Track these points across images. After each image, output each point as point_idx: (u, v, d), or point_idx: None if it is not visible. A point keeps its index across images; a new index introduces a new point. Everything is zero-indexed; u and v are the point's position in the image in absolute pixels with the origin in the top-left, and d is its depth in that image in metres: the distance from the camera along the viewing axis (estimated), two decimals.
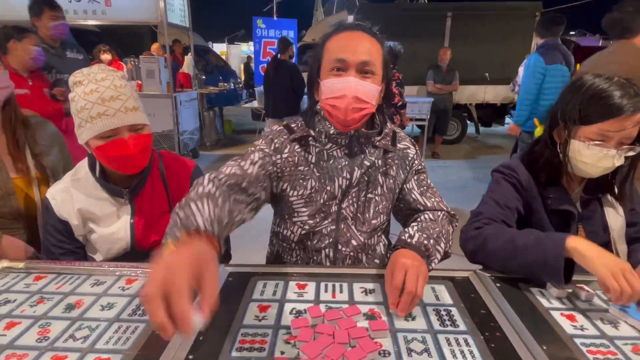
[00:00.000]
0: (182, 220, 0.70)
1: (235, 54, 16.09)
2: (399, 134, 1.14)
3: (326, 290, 0.92)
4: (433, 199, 1.11)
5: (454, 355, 0.71)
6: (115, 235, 1.10)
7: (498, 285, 0.96)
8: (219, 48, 15.39)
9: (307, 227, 1.07)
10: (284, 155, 1.04)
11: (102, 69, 1.03)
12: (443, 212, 1.09)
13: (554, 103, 1.12)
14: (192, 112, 5.67)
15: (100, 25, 6.07)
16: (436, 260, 0.97)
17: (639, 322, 0.80)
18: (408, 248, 0.91)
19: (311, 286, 0.93)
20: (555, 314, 0.84)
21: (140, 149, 1.03)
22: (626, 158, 1.01)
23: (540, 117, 3.35)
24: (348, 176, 1.05)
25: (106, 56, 5.81)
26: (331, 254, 1.08)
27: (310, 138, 1.05)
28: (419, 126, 5.90)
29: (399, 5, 9.19)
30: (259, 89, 6.30)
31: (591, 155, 0.99)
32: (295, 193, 1.05)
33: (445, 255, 1.02)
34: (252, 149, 1.04)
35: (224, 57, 12.02)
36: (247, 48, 15.64)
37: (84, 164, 1.13)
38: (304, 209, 1.06)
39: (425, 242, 0.94)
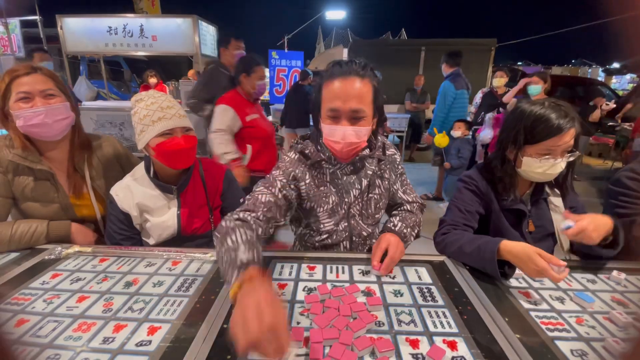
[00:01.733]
0: (229, 262, 0.69)
1: None
2: (386, 144, 1.11)
3: (331, 272, 0.90)
4: (412, 195, 1.14)
5: (435, 325, 0.70)
6: (166, 224, 1.09)
7: (467, 267, 0.95)
8: None
9: (331, 232, 1.05)
10: (307, 181, 1.00)
11: (156, 91, 1.05)
12: (417, 204, 1.14)
13: (501, 129, 1.11)
14: None
15: (148, 55, 6.05)
16: (410, 242, 1.04)
17: (582, 300, 0.79)
18: (392, 233, 0.98)
19: (319, 268, 0.92)
20: (514, 292, 0.83)
21: (190, 146, 1.04)
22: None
23: (447, 130, 3.41)
24: (359, 186, 1.03)
25: (153, 79, 5.75)
26: (348, 245, 1.07)
27: (323, 162, 1.01)
28: (398, 136, 5.87)
29: (384, 41, 9.15)
30: (274, 107, 6.27)
31: (542, 166, 0.98)
32: (321, 209, 1.02)
33: (417, 236, 1.08)
34: (274, 178, 0.98)
35: None
36: None
37: (140, 167, 1.12)
38: (329, 219, 1.03)
39: (404, 230, 1.00)
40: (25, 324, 0.70)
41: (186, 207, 1.11)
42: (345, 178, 1.02)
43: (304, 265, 0.93)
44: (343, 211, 1.03)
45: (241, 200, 1.22)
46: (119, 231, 1.09)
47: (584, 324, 0.72)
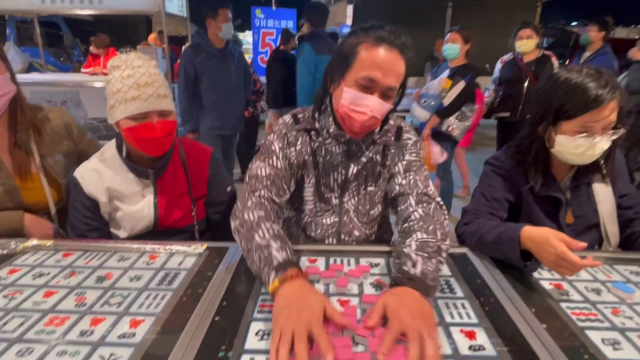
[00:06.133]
0: (264, 260, 0.84)
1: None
2: (404, 127, 1.18)
3: (335, 262, 1.02)
4: (417, 181, 1.09)
5: (452, 316, 0.81)
6: (140, 213, 1.20)
7: (493, 260, 1.06)
8: None
9: (310, 215, 1.18)
10: (298, 147, 1.13)
11: (139, 57, 1.13)
12: (435, 201, 1.05)
13: (535, 101, 1.21)
14: None
15: (94, 15, 6.12)
16: (439, 287, 0.89)
17: (621, 291, 0.91)
18: (410, 286, 0.78)
19: (321, 260, 1.03)
20: (545, 283, 0.95)
21: (165, 133, 1.13)
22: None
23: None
24: (344, 172, 1.13)
25: (99, 50, 5.84)
26: (334, 243, 1.19)
27: (313, 131, 1.13)
28: None
29: None
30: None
31: (578, 146, 1.07)
32: (307, 180, 1.15)
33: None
34: (269, 145, 1.12)
35: None
36: (243, 37, 15.48)
37: (111, 145, 1.22)
38: (311, 197, 1.17)
39: (431, 271, 0.83)
40: None
41: (164, 195, 1.22)
42: (329, 157, 1.12)
43: (303, 258, 1.04)
44: (334, 201, 1.15)
45: (228, 189, 1.35)
46: (84, 220, 1.19)
47: (620, 315, 0.84)
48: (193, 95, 3.08)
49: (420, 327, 0.67)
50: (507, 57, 3.50)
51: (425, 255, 0.85)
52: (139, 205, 1.21)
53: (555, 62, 3.28)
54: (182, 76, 3.03)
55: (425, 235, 0.91)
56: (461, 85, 2.94)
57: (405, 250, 0.88)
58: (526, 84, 3.26)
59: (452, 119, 3.03)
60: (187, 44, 6.18)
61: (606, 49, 3.68)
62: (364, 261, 1.03)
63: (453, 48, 2.99)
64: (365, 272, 0.94)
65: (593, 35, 3.68)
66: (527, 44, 3.21)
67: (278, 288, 0.77)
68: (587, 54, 3.74)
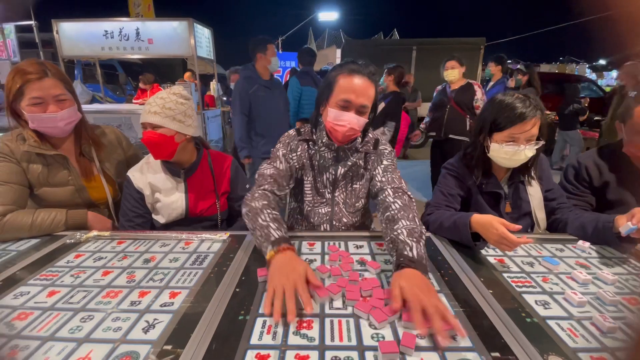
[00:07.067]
0: (264, 237, 0.87)
1: None
2: (380, 141, 1.18)
3: (330, 244, 1.00)
4: (397, 182, 1.07)
5: None
6: (175, 204, 1.21)
7: (450, 241, 1.05)
8: None
9: (309, 205, 1.18)
10: (299, 153, 1.14)
11: (167, 90, 1.15)
12: (407, 195, 1.03)
13: (478, 116, 1.21)
14: (216, 125, 5.72)
15: (142, 58, 6.12)
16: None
17: (549, 263, 0.90)
18: (413, 267, 0.76)
19: (318, 244, 1.02)
20: (490, 258, 0.94)
21: (150, 141, 1.11)
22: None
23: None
24: (334, 172, 1.14)
25: (147, 85, 5.83)
26: (328, 228, 1.18)
27: (310, 142, 1.15)
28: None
29: (375, 41, 9.30)
30: None
31: (506, 152, 1.08)
32: (306, 178, 1.17)
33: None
34: (276, 151, 1.14)
35: None
36: None
37: None
38: (309, 192, 1.17)
39: (422, 252, 0.82)
40: (57, 294, 0.79)
41: (193, 191, 1.23)
42: (322, 161, 1.14)
43: (304, 242, 1.03)
44: (327, 195, 1.16)
45: (247, 186, 1.34)
46: (132, 209, 1.20)
47: (548, 282, 0.83)
48: (247, 125, 2.63)
49: (433, 301, 0.65)
50: (440, 86, 3.27)
51: (415, 240, 0.83)
52: (172, 197, 1.21)
53: (477, 89, 3.00)
54: (238, 107, 2.56)
55: (409, 223, 0.88)
56: (381, 105, 3.06)
57: (400, 237, 0.84)
58: (448, 108, 3.05)
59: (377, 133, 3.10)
60: (214, 80, 6.20)
61: (503, 79, 3.65)
62: (351, 245, 1.02)
63: (384, 82, 3.25)
64: (351, 262, 0.91)
65: (492, 69, 3.69)
66: (451, 74, 3.00)
67: (273, 257, 0.80)
68: (490, 83, 3.70)
